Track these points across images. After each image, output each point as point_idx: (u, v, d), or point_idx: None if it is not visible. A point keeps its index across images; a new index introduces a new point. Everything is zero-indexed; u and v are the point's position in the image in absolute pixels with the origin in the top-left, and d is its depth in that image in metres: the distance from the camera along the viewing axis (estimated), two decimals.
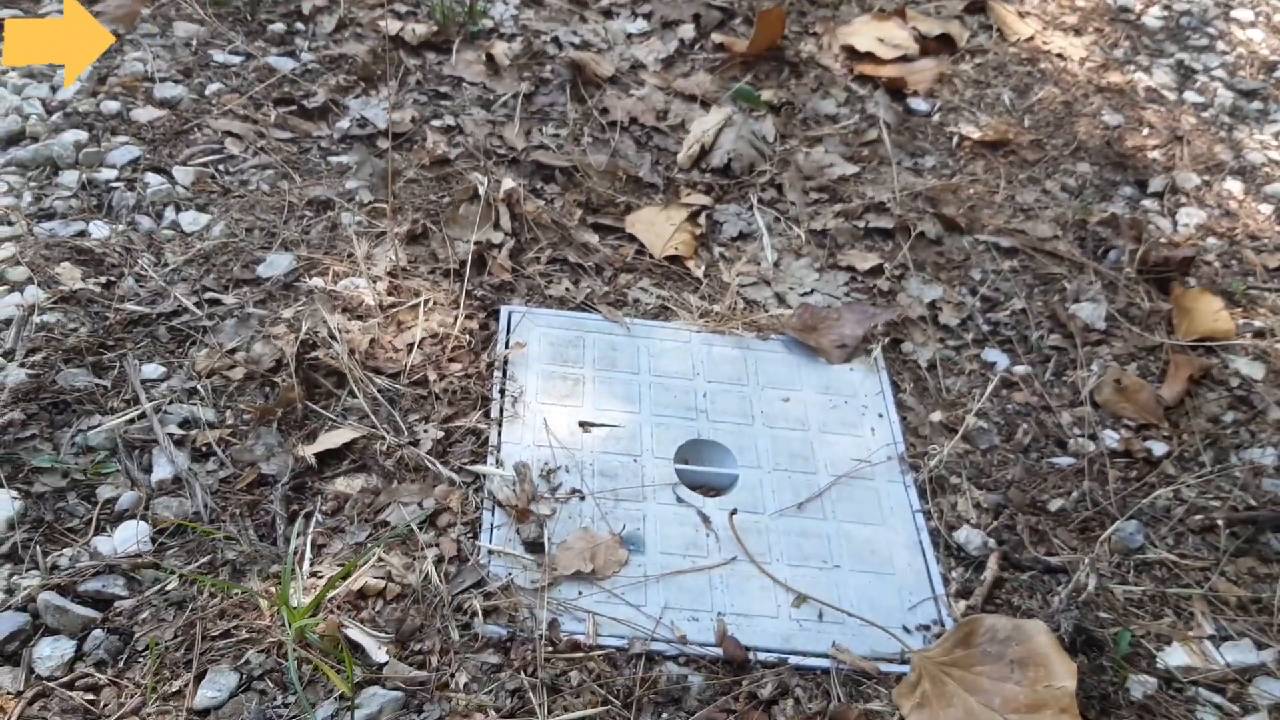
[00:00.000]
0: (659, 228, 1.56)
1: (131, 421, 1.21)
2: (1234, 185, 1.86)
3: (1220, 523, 1.27)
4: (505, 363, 1.33)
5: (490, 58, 1.83)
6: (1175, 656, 1.14)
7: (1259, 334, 1.56)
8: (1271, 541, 1.27)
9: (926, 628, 1.15)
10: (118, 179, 1.52)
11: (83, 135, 1.57)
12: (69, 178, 1.51)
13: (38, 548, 1.09)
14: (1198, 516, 1.28)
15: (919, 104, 1.93)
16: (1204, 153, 1.93)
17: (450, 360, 1.33)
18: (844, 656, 1.10)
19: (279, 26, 1.87)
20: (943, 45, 2.07)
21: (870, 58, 2.00)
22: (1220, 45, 2.26)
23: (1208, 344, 1.51)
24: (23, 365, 1.24)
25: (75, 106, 1.62)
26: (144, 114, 1.63)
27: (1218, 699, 1.11)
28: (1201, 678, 1.12)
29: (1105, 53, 2.16)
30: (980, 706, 1.03)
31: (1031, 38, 2.15)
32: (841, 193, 1.69)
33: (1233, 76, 2.16)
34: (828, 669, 1.09)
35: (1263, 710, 1.09)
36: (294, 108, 1.68)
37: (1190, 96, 2.08)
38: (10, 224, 1.42)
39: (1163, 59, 2.18)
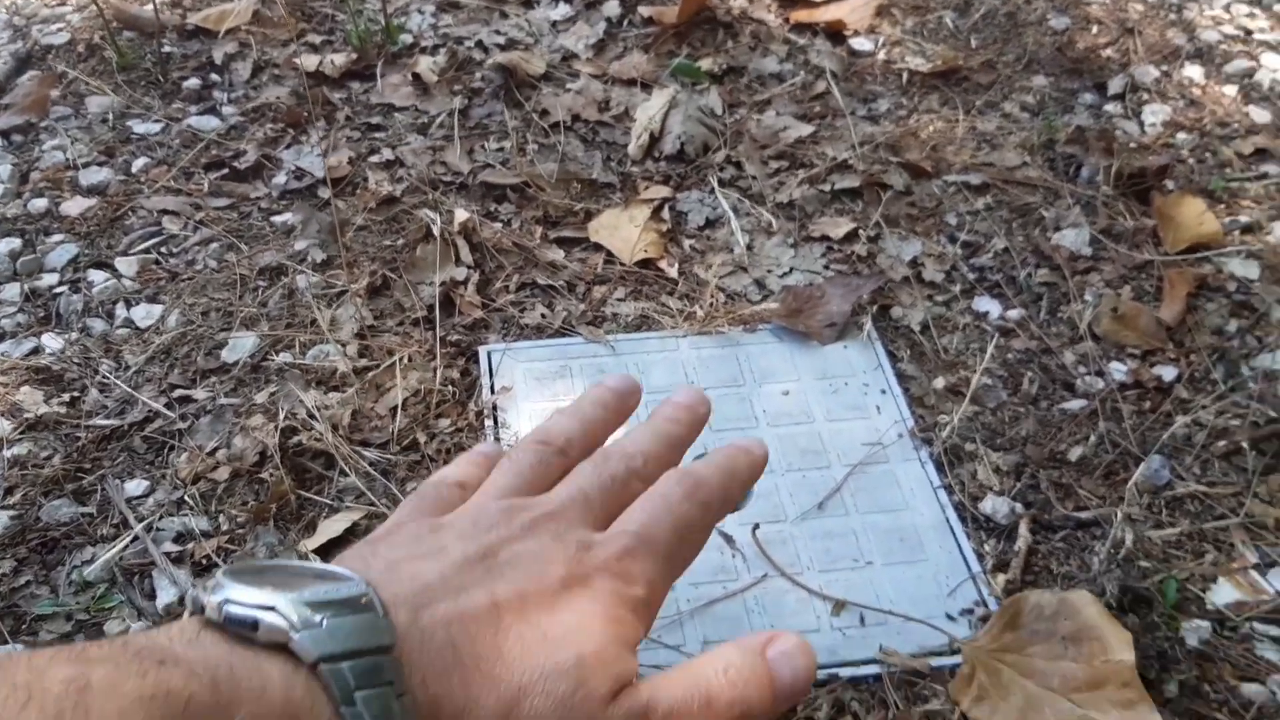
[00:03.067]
0: (623, 231, 1.51)
1: (125, 547, 1.17)
2: (1193, 71, 1.82)
3: (1245, 444, 1.24)
4: (494, 409, 1.29)
5: (417, 77, 1.76)
6: (1223, 593, 1.12)
7: (1247, 229, 1.53)
8: None
9: (970, 611, 1.12)
10: (60, 283, 1.46)
11: (16, 243, 1.50)
12: (10, 292, 1.44)
13: None
14: (1221, 442, 1.25)
15: (862, 44, 1.87)
16: (1157, 41, 1.88)
17: (437, 417, 1.28)
18: (893, 659, 1.08)
19: (194, 82, 1.79)
20: None
21: (804, 3, 1.93)
22: None
23: (1198, 253, 1.47)
24: (4, 508, 1.20)
25: (2, 212, 1.55)
26: (73, 206, 1.56)
27: (1274, 630, 1.09)
28: (1254, 611, 1.10)
29: None
30: (1041, 690, 1.01)
31: None
32: (801, 157, 1.64)
33: None
34: (879, 675, 1.07)
35: None
36: (226, 171, 1.62)
37: None
38: None
39: None
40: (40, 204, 1.56)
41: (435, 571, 0.61)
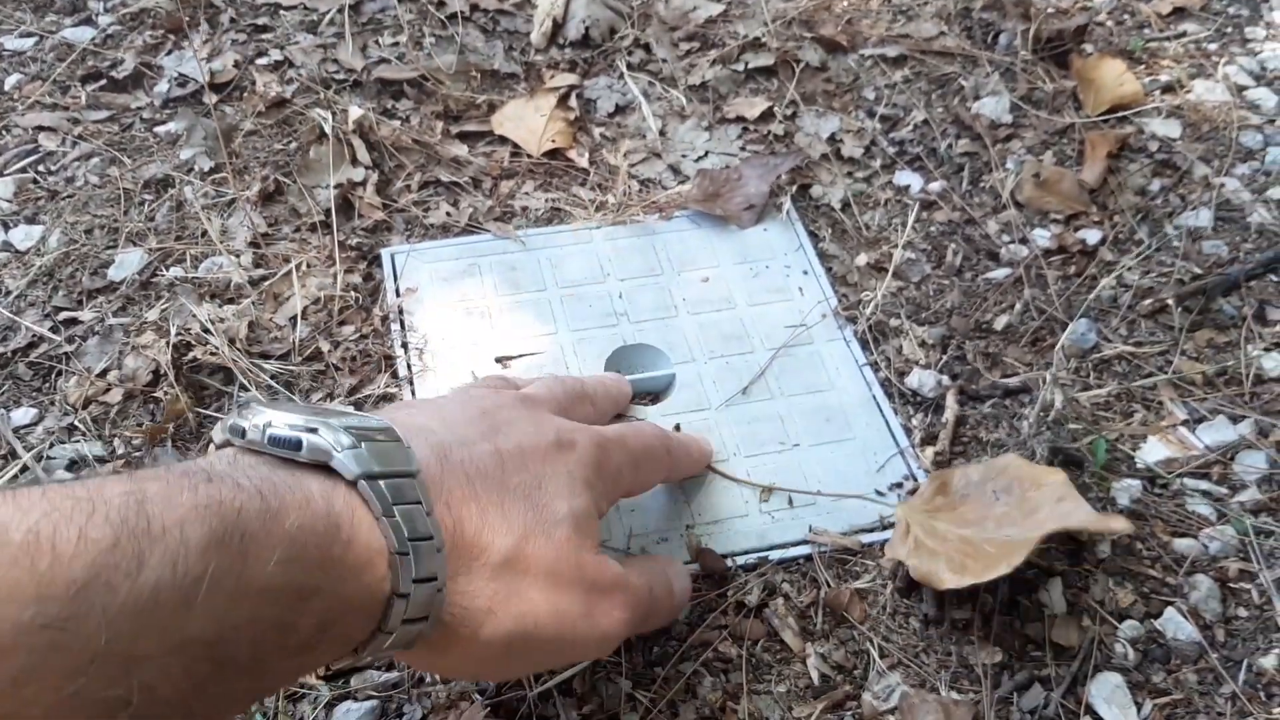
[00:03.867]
0: (529, 121, 1.44)
1: (15, 478, 1.10)
2: None
3: (1170, 301, 1.22)
4: (400, 312, 1.23)
5: None
6: (1153, 451, 1.10)
7: (1167, 89, 1.50)
8: (1224, 307, 1.23)
9: (899, 485, 1.10)
10: None
11: None
12: None
13: None
14: (1146, 301, 1.23)
15: None
16: None
17: (341, 324, 1.22)
18: (823, 538, 1.05)
19: None
20: None
21: None
22: None
23: (1119, 114, 1.44)
24: None
25: None
26: None
27: (1204, 485, 1.07)
28: (1184, 468, 1.09)
29: None
30: (976, 531, 0.98)
31: None
32: (712, 37, 1.57)
33: None
34: (810, 555, 1.04)
35: (1251, 486, 1.06)
36: (104, 82, 1.52)
37: None
38: None
39: None
40: None
41: (442, 426, 0.68)
